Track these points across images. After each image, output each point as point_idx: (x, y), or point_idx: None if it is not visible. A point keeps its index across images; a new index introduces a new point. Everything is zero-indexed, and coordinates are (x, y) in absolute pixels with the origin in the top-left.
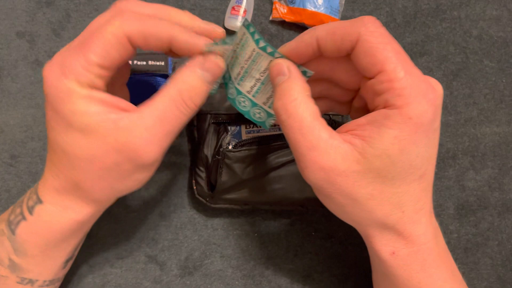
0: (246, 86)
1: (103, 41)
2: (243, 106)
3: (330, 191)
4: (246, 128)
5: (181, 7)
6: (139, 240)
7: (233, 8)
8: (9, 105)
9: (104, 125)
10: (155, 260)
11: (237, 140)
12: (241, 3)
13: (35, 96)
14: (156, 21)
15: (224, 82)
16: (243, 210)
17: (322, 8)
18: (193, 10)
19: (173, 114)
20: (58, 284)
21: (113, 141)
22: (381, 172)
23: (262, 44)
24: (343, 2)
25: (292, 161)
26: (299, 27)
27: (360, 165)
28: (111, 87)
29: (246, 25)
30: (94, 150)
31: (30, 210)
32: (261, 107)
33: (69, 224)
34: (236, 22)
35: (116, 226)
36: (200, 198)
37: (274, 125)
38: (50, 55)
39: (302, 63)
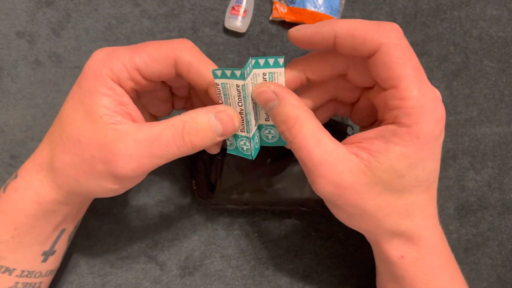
0: (262, 117)
1: (153, 52)
2: (272, 137)
3: (339, 203)
4: None
5: (181, 7)
6: (139, 240)
7: (233, 8)
8: (9, 105)
9: (104, 120)
10: (155, 260)
11: None
12: (241, 3)
13: (35, 96)
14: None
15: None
16: (243, 210)
17: (322, 8)
18: (193, 10)
19: (166, 140)
20: (43, 280)
21: (102, 137)
22: (388, 185)
23: (238, 73)
24: (343, 2)
25: (292, 161)
26: None
27: (367, 177)
28: (146, 107)
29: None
30: (83, 135)
31: (5, 187)
32: (267, 125)
33: (32, 205)
34: (236, 22)
35: (116, 226)
36: (200, 198)
37: None
38: (50, 55)
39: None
